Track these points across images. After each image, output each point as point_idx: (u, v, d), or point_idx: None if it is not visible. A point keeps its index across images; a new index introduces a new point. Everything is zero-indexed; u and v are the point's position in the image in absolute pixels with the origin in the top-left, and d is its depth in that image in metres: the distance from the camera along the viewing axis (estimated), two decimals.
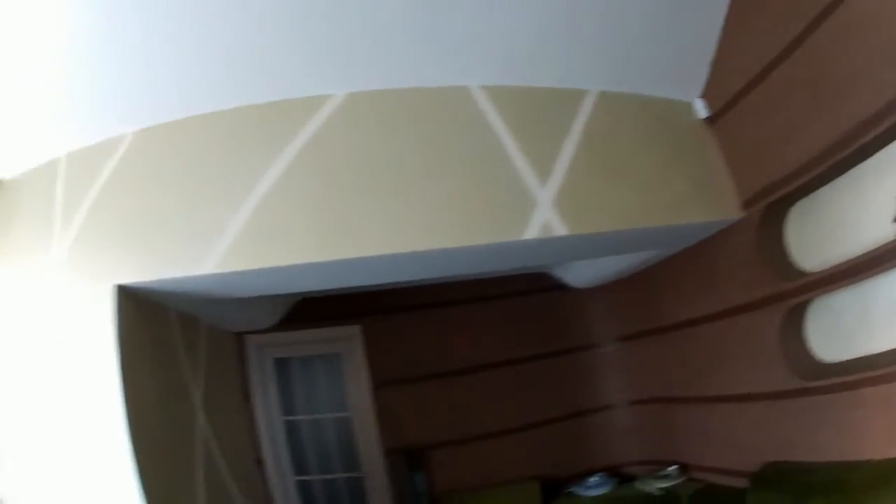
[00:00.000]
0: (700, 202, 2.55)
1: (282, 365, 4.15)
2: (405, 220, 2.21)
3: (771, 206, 2.52)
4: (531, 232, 2.21)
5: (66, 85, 2.44)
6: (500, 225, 2.22)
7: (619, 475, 3.70)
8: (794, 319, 2.56)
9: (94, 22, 2.20)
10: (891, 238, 2.01)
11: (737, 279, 2.75)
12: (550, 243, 2.32)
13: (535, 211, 2.23)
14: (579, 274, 3.62)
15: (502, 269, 3.18)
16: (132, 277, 2.38)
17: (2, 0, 2.13)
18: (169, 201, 2.40)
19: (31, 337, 2.67)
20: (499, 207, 2.23)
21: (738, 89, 2.52)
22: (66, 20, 2.22)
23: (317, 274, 2.41)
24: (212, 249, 2.27)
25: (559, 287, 3.95)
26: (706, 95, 2.67)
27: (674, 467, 3.28)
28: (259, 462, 3.99)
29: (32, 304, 2.66)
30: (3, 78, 2.47)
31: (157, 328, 2.83)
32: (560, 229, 2.23)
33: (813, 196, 2.45)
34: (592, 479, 3.62)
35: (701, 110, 2.65)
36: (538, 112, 2.37)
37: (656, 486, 3.21)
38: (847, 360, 2.34)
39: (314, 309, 3.88)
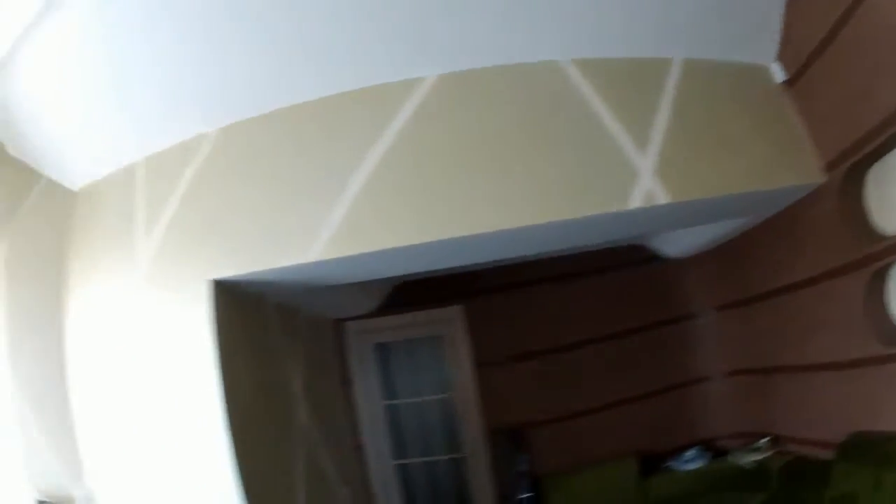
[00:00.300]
0: (785, 167, 2.52)
1: (382, 350, 4.17)
2: (508, 197, 2.21)
3: (852, 168, 2.49)
4: (635, 201, 2.19)
5: (142, 89, 2.45)
6: (604, 196, 2.20)
7: (714, 449, 3.68)
8: (877, 284, 2.52)
9: (171, 23, 2.20)
10: None
11: (821, 245, 2.72)
12: (652, 212, 2.29)
13: (638, 180, 2.21)
14: (674, 244, 3.58)
15: (601, 242, 3.17)
16: (228, 272, 2.41)
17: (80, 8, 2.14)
18: (263, 194, 2.43)
19: (124, 341, 2.71)
20: (602, 178, 2.22)
21: (810, 50, 2.47)
22: (141, 24, 2.23)
23: (420, 255, 2.42)
24: (316, 237, 2.29)
25: (655, 259, 3.92)
26: (781, 58, 2.65)
27: (765, 440, 3.24)
28: (358, 447, 4.02)
29: (122, 310, 2.69)
30: (77, 90, 2.50)
31: (255, 320, 2.86)
32: (662, 197, 2.21)
33: (893, 155, 2.43)
34: (688, 454, 3.60)
35: (778, 74, 2.65)
36: (629, 83, 2.35)
37: (748, 459, 3.18)
38: None
39: (414, 292, 3.91)
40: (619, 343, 3.97)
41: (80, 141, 2.81)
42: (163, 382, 2.63)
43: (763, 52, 2.63)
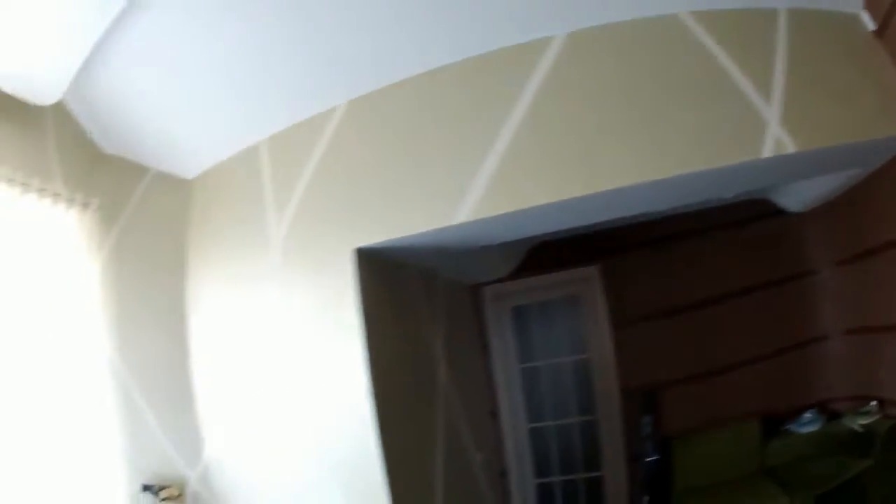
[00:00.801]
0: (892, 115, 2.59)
1: (519, 313, 4.22)
2: (648, 150, 2.27)
3: None
4: (766, 151, 2.24)
5: (264, 72, 2.52)
6: (738, 146, 2.25)
7: (829, 411, 3.69)
8: None
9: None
10: None
11: None
12: (779, 162, 2.35)
13: (767, 130, 2.26)
14: (794, 197, 3.59)
15: (729, 195, 3.18)
16: (371, 239, 2.48)
17: None
18: (401, 162, 2.51)
19: (258, 318, 2.84)
20: (735, 129, 2.26)
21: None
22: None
23: (563, 212, 2.50)
24: (461, 200, 2.37)
25: (777, 213, 3.88)
26: (868, 7, 2.68)
27: (873, 403, 3.24)
28: (493, 412, 4.11)
29: (255, 288, 2.81)
30: (190, 81, 2.57)
31: (397, 286, 2.94)
32: (790, 146, 2.26)
33: None
34: (805, 416, 3.63)
35: (868, 23, 2.70)
36: (746, 33, 2.39)
37: (859, 422, 3.20)
38: None
39: (549, 254, 3.96)
40: (745, 301, 3.96)
41: (194, 131, 2.89)
42: (302, 356, 2.71)
43: (852, 1, 2.68)
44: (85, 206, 3.00)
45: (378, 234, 2.50)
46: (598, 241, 3.88)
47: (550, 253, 3.98)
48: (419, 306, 3.36)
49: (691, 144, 2.26)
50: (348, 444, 2.66)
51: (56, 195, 2.88)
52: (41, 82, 2.55)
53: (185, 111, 2.74)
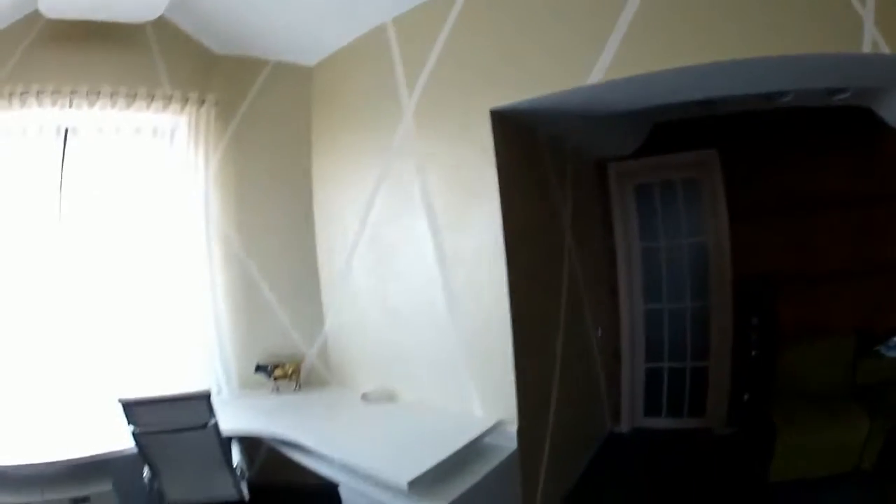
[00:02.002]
0: None
1: (642, 191, 4.38)
2: (765, 26, 2.28)
3: None
4: (865, 47, 2.26)
5: None
6: (837, 37, 2.27)
7: None
8: None
9: None
10: None
11: None
12: (872, 61, 2.39)
13: (864, 27, 2.29)
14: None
15: (826, 87, 3.11)
16: (506, 100, 2.67)
17: None
18: (535, 24, 2.59)
19: (390, 188, 3.19)
20: (836, 21, 2.27)
21: None
22: None
23: (686, 80, 2.49)
24: (593, 62, 2.45)
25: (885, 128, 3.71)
26: None
27: None
28: (613, 291, 4.32)
29: (386, 159, 3.15)
30: None
31: (530, 151, 3.08)
32: (884, 48, 2.28)
33: None
34: (893, 340, 3.72)
35: None
36: None
37: None
38: None
39: (672, 135, 4.05)
40: (851, 212, 3.98)
41: (318, 20, 3.13)
42: (436, 221, 2.98)
43: None
44: (201, 103, 3.57)
45: (511, 96, 2.61)
46: (719, 126, 3.87)
47: (673, 134, 4.00)
48: (549, 175, 3.42)
49: (801, 29, 2.27)
50: (479, 307, 2.87)
51: (167, 98, 3.45)
52: (138, 5, 2.97)
53: (308, 2, 2.95)
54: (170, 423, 2.84)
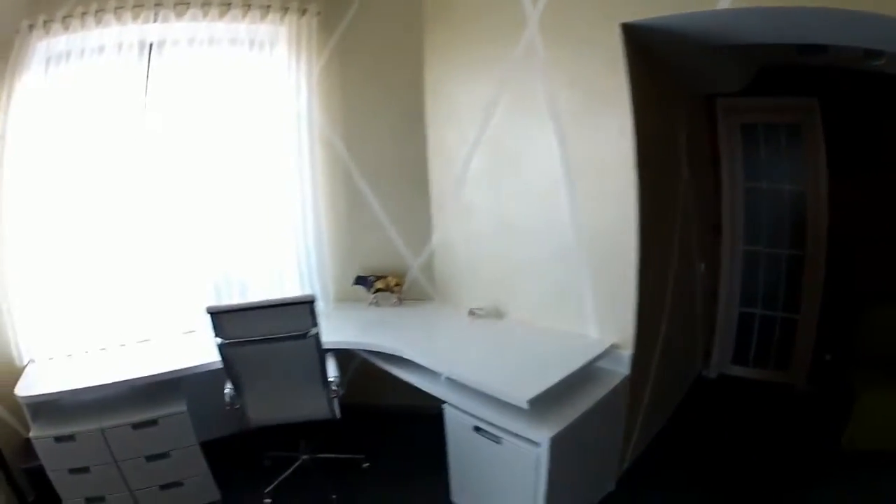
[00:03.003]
0: None
1: (747, 131, 4.29)
2: None
3: None
4: None
5: None
6: None
7: None
8: None
9: None
10: None
11: None
12: None
13: None
14: None
15: None
16: (634, 16, 2.60)
17: None
18: None
19: (518, 99, 3.09)
20: None
21: None
22: None
23: (821, 22, 2.38)
24: None
25: None
26: None
27: None
28: (716, 227, 4.29)
29: (514, 67, 3.05)
30: None
31: (654, 69, 3.02)
32: None
33: None
34: None
35: None
36: None
37: None
38: None
39: (775, 80, 3.96)
40: None
41: None
42: (562, 131, 2.89)
43: None
44: (302, 12, 3.47)
45: (641, 12, 2.55)
46: (822, 78, 3.76)
47: (777, 79, 3.90)
48: (669, 98, 3.37)
49: None
50: (604, 222, 2.84)
51: (265, 7, 3.39)
52: None
53: None
54: (265, 332, 2.72)
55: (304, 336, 2.74)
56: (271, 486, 3.18)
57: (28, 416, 3.10)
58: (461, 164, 3.42)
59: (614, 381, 2.80)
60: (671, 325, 3.47)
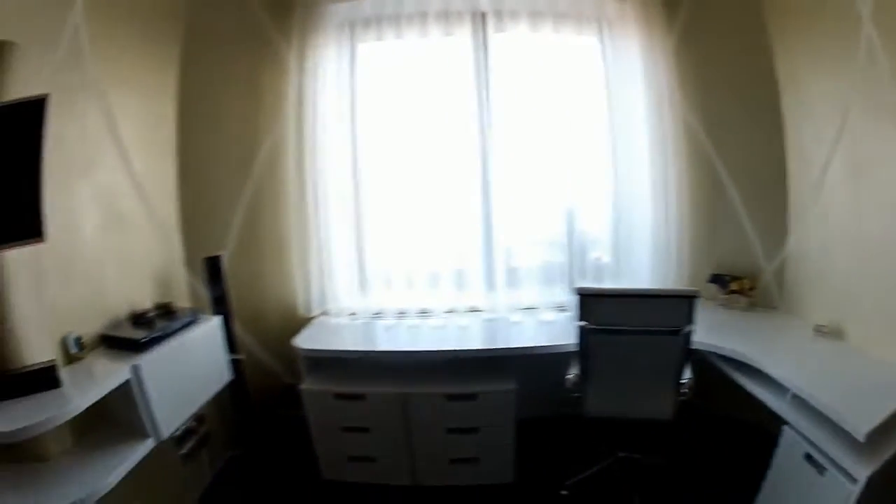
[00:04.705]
0: None
1: None
2: None
3: None
4: None
5: None
6: None
7: None
8: None
9: None
10: None
11: None
12: None
13: None
14: None
15: None
16: None
17: None
18: None
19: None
20: None
21: None
22: None
23: None
24: None
25: None
26: None
27: None
28: None
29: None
30: None
31: None
32: None
33: None
34: None
35: None
36: None
37: None
38: None
39: None
40: None
41: None
42: None
43: None
44: None
45: None
46: None
47: None
48: None
49: None
50: None
51: None
52: None
53: None
54: (637, 323, 2.63)
55: (676, 332, 2.62)
56: (575, 479, 3.07)
57: (303, 368, 3.19)
58: (821, 163, 3.09)
59: None
60: None
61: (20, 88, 2.19)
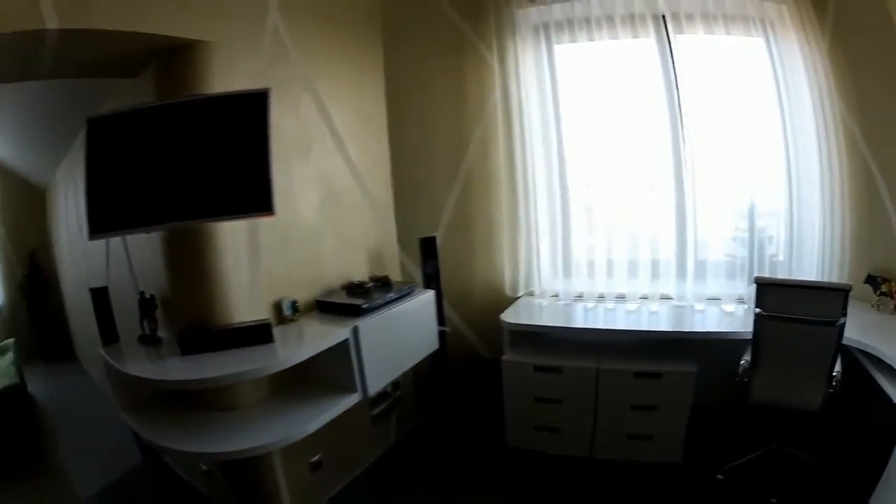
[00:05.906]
0: None
1: None
2: None
3: None
4: None
5: None
6: None
7: None
8: None
9: None
10: None
11: None
12: None
13: None
14: None
15: None
16: None
17: None
18: None
19: None
20: None
21: None
22: None
23: None
24: None
25: None
26: None
27: None
28: None
29: None
30: None
31: None
32: None
33: None
34: None
35: None
36: None
37: None
38: None
39: None
40: None
41: None
42: None
43: None
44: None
45: None
46: None
47: None
48: None
49: None
50: None
51: None
52: None
53: None
54: (801, 312, 2.72)
55: (832, 324, 2.66)
56: (732, 465, 3.13)
57: (505, 342, 3.43)
58: None
59: None
60: None
61: (230, 82, 2.52)
